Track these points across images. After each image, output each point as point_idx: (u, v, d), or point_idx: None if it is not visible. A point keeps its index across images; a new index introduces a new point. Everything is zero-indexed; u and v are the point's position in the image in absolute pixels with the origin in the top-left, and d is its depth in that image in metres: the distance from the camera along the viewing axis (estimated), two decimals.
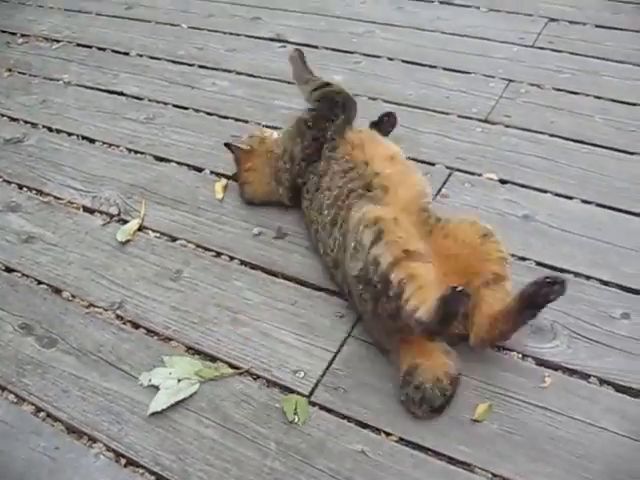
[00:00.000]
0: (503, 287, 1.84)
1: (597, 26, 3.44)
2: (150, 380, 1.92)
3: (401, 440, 1.76)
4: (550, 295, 1.74)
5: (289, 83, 3.13)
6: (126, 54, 3.57)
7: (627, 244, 2.22)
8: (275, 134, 2.49)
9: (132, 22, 3.87)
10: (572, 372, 1.87)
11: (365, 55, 3.35)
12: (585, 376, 1.86)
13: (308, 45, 3.44)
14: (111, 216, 2.52)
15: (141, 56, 3.53)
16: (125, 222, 2.48)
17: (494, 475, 1.67)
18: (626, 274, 2.12)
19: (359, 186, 2.05)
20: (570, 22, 3.48)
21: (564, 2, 3.64)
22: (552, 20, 3.50)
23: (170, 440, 1.80)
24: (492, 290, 1.83)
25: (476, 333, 1.85)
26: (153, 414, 1.85)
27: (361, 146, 2.16)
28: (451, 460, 1.70)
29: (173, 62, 3.45)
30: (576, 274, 2.14)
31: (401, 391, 1.82)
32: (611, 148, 2.64)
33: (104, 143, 2.92)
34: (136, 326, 2.11)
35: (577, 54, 3.23)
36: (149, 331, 2.09)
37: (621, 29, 3.39)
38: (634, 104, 2.87)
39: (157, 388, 1.90)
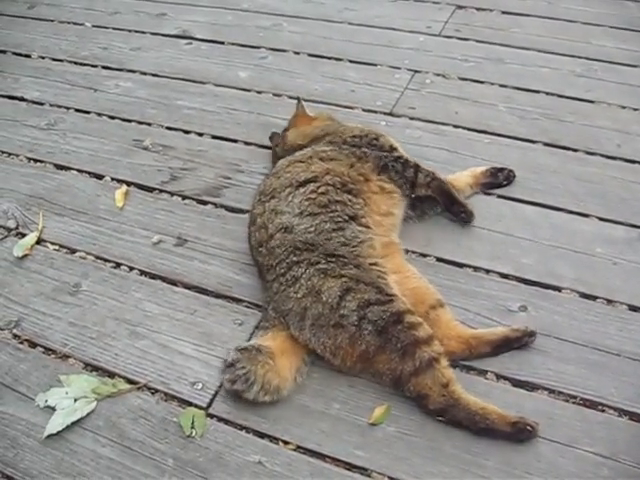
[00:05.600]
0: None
1: (503, 12, 3.44)
2: (46, 401, 1.88)
3: (298, 448, 1.75)
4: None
5: (193, 82, 3.10)
6: (27, 56, 3.45)
7: (526, 235, 2.25)
8: None
9: (35, 22, 3.74)
10: (469, 369, 1.89)
11: (271, 50, 3.30)
12: (482, 372, 1.88)
13: (214, 41, 3.39)
14: (9, 230, 2.44)
15: (43, 58, 3.42)
16: (23, 235, 2.40)
17: (391, 479, 1.67)
18: (524, 265, 2.15)
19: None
20: (477, 9, 3.48)
21: None
22: (459, 7, 3.50)
23: (67, 462, 1.77)
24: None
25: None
26: (49, 436, 1.81)
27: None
28: (348, 466, 1.71)
29: (76, 63, 3.35)
30: (476, 268, 2.16)
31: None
32: (514, 137, 2.66)
33: (3, 152, 2.82)
34: (33, 345, 2.06)
35: (483, 42, 3.24)
36: (46, 349, 2.05)
37: (527, 15, 3.40)
38: (537, 91, 2.89)
39: (53, 409, 1.86)
